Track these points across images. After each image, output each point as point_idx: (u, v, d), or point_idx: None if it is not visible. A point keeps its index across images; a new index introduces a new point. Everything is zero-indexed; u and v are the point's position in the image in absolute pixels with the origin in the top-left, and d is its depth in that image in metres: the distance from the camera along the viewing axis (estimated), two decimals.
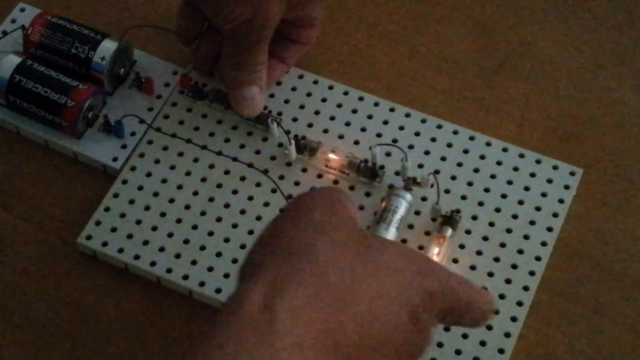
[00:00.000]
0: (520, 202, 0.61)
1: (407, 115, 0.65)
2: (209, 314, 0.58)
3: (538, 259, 0.59)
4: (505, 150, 0.63)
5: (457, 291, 0.48)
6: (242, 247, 0.60)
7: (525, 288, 0.58)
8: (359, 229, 0.48)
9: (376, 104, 0.65)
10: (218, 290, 0.59)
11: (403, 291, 0.46)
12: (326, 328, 0.44)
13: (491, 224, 0.61)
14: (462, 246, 0.60)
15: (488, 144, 0.64)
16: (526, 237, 0.60)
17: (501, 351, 0.56)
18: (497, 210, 0.61)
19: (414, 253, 0.49)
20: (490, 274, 0.59)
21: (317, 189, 0.51)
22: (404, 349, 0.47)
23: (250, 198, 0.62)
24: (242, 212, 0.61)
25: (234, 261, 0.60)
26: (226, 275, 0.59)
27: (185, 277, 0.59)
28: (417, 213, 0.61)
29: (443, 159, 0.63)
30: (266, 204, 0.62)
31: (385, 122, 0.65)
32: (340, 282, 0.45)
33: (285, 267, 0.45)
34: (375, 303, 0.46)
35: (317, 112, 0.65)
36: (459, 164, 0.63)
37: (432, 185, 0.61)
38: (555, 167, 0.62)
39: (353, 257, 0.46)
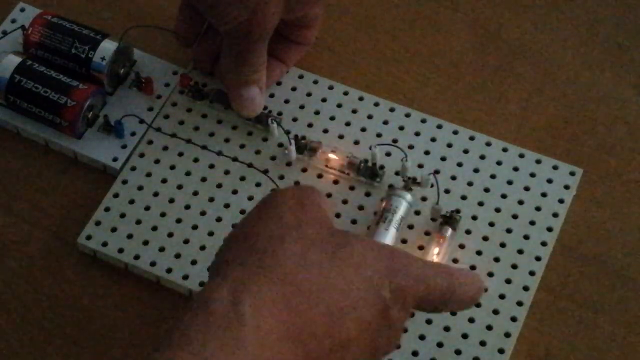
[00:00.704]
0: (520, 202, 0.61)
1: (407, 115, 0.65)
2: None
3: (538, 259, 0.59)
4: (505, 150, 0.63)
5: (432, 281, 0.49)
6: None
7: (525, 288, 0.58)
8: (329, 227, 0.49)
9: (376, 104, 0.65)
10: None
11: (372, 287, 0.47)
12: (293, 324, 0.45)
13: (491, 224, 0.61)
14: (462, 246, 0.60)
15: (488, 144, 0.64)
16: (526, 237, 0.60)
17: (501, 351, 0.56)
18: (497, 210, 0.61)
19: (383, 248, 0.49)
20: (490, 274, 0.59)
21: (288, 187, 0.52)
22: (373, 344, 0.48)
23: (251, 198, 0.62)
24: (242, 212, 0.61)
25: None
26: None
27: (185, 277, 0.59)
28: (417, 213, 0.61)
29: (443, 159, 0.63)
30: None
31: (385, 122, 0.65)
32: (307, 280, 0.46)
33: (253, 264, 0.46)
34: (344, 300, 0.46)
35: (317, 112, 0.65)
36: (459, 164, 0.63)
37: (432, 185, 0.61)
38: (555, 167, 0.62)
39: (320, 255, 0.47)
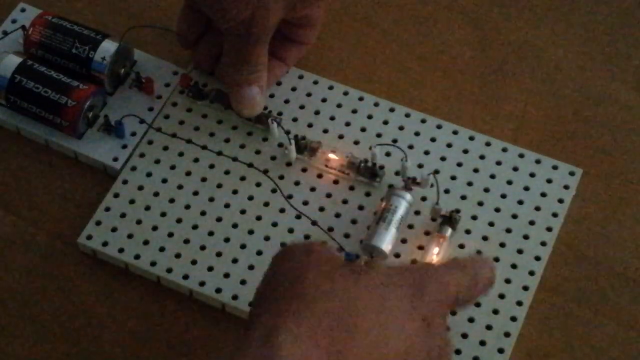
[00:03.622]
0: (520, 202, 0.61)
1: (407, 115, 0.65)
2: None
3: (537, 258, 0.59)
4: (504, 150, 0.63)
5: (457, 283, 0.50)
6: (242, 247, 0.60)
7: (525, 288, 0.58)
8: (342, 262, 0.49)
9: (376, 104, 0.65)
10: (218, 290, 0.59)
11: (406, 303, 0.47)
12: (332, 352, 0.44)
13: (491, 224, 0.61)
14: (461, 246, 0.60)
15: (488, 144, 0.64)
16: (526, 237, 0.60)
17: (501, 351, 0.56)
18: (497, 210, 0.61)
19: (402, 267, 0.50)
20: None
21: (295, 242, 0.52)
22: (424, 357, 0.47)
23: (251, 198, 0.62)
24: (243, 212, 0.61)
25: (234, 261, 0.60)
26: (226, 275, 0.59)
27: (186, 277, 0.59)
28: (417, 213, 0.61)
29: (443, 159, 0.63)
30: (266, 204, 0.62)
31: (385, 122, 0.65)
32: (336, 307, 0.46)
33: (279, 307, 0.46)
34: (382, 320, 0.46)
35: (317, 112, 0.65)
36: (459, 164, 0.63)
37: (432, 185, 0.61)
38: (554, 167, 0.63)
39: (344, 282, 0.47)
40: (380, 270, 0.48)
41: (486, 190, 0.62)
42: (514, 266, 0.59)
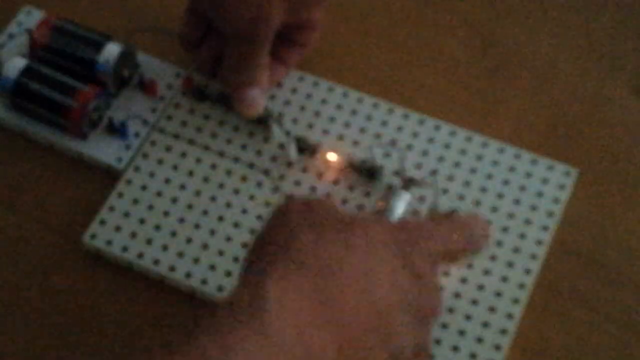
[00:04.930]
0: (516, 202, 0.62)
1: (406, 116, 0.65)
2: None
3: (534, 257, 0.60)
4: (501, 150, 0.64)
5: (446, 238, 0.53)
6: (244, 245, 0.60)
7: (521, 286, 0.59)
8: (338, 212, 0.51)
9: (375, 106, 0.66)
10: (220, 288, 0.59)
11: (394, 251, 0.50)
12: (320, 300, 0.46)
13: (488, 223, 0.61)
14: None
15: (485, 145, 0.64)
16: (522, 236, 0.61)
17: (497, 347, 0.57)
18: (494, 209, 0.62)
19: (393, 225, 0.52)
20: (487, 272, 0.59)
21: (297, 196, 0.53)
22: (414, 307, 0.50)
23: (252, 198, 0.63)
24: (244, 211, 0.62)
25: (236, 259, 0.60)
26: (228, 274, 0.60)
27: (188, 275, 0.60)
28: (416, 213, 0.62)
29: (441, 159, 0.64)
30: (267, 204, 0.62)
31: (384, 123, 0.65)
32: (325, 264, 0.47)
33: (269, 260, 0.48)
34: (370, 270, 0.48)
35: (317, 113, 0.66)
36: (456, 164, 0.63)
37: (430, 185, 0.61)
38: (550, 167, 0.63)
39: (335, 234, 0.49)
40: (372, 228, 0.50)
41: (483, 190, 0.62)
42: (510, 264, 0.60)
